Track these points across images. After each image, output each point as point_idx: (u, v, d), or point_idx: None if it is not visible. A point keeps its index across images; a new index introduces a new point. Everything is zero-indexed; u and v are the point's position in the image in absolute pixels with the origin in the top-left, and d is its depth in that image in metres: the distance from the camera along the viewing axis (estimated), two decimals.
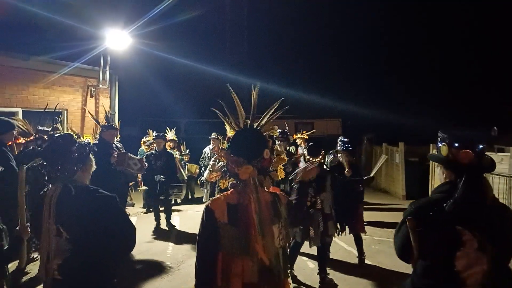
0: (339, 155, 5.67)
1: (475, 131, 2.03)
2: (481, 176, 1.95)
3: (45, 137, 5.44)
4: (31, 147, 5.48)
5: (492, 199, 1.94)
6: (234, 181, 2.11)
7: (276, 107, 2.21)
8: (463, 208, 1.86)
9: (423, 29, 21.52)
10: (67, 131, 5.86)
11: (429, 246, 1.92)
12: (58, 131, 5.53)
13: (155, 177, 7.31)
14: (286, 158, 2.25)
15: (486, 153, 2.02)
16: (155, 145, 7.81)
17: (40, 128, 5.59)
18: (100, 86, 9.71)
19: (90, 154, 2.36)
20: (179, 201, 9.66)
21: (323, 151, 4.85)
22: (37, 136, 5.51)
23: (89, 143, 2.41)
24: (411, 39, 21.37)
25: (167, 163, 7.50)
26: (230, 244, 1.97)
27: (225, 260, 1.99)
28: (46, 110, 6.07)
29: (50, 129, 5.58)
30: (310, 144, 5.11)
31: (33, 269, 5.06)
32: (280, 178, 2.29)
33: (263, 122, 2.18)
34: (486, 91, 18.75)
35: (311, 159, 4.70)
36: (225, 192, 2.11)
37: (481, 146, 1.95)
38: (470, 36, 19.99)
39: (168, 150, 8.27)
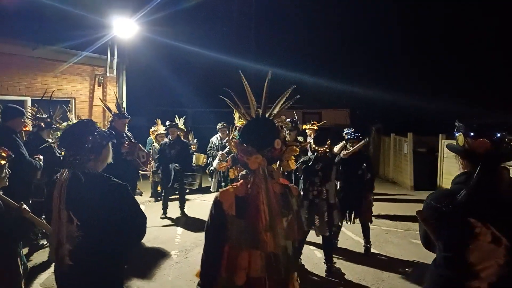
0: (348, 144, 5.62)
1: (495, 119, 1.95)
2: (497, 166, 1.86)
3: (42, 124, 5.47)
4: (27, 136, 5.52)
5: (508, 190, 1.85)
6: (244, 172, 2.08)
7: (287, 95, 2.16)
8: (477, 199, 1.78)
9: (433, 18, 21.11)
10: (73, 120, 5.90)
11: (443, 238, 1.89)
12: (53, 119, 5.57)
13: (170, 165, 7.37)
14: (298, 150, 2.21)
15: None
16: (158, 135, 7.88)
17: (38, 115, 5.62)
18: (108, 74, 9.72)
19: (109, 144, 2.34)
20: (187, 190, 9.73)
21: (329, 141, 4.88)
22: (35, 123, 5.53)
23: (112, 133, 2.40)
24: (421, 28, 20.99)
25: (181, 152, 7.54)
26: (237, 237, 1.96)
27: (231, 252, 1.98)
28: (46, 98, 6.06)
29: (47, 116, 5.60)
30: (316, 133, 5.11)
31: (37, 256, 5.17)
32: (291, 169, 2.26)
33: (275, 111, 2.14)
34: (502, 79, 18.27)
35: (317, 148, 4.73)
36: (234, 184, 2.09)
37: (499, 135, 1.85)
38: (483, 23, 19.51)
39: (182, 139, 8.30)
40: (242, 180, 2.06)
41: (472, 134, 1.89)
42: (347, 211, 5.55)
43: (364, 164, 5.64)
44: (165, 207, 7.61)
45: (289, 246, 2.03)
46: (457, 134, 1.98)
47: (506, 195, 1.83)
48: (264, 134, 2.03)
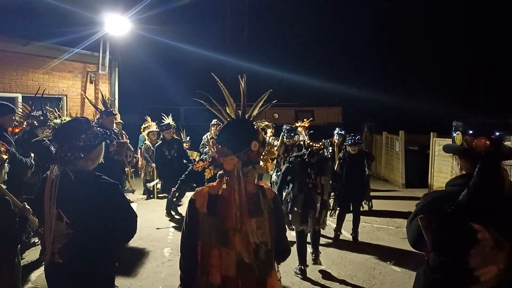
0: (350, 148, 6.11)
1: (493, 119, 1.88)
2: (497, 165, 1.79)
3: (35, 122, 5.40)
4: (21, 134, 5.43)
5: (509, 190, 1.78)
6: (222, 171, 2.06)
7: (265, 98, 2.13)
8: (478, 200, 1.73)
9: (426, 16, 21.23)
10: (66, 117, 5.81)
11: (442, 242, 1.83)
12: (46, 117, 5.50)
13: (171, 166, 7.34)
14: (276, 152, 2.20)
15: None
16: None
17: (32, 113, 5.54)
18: (100, 72, 9.65)
19: (102, 144, 2.33)
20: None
21: (323, 138, 4.95)
22: (28, 121, 5.46)
23: (106, 133, 2.37)
24: (414, 27, 21.12)
25: (179, 150, 7.58)
26: (208, 234, 1.95)
27: (203, 250, 1.97)
28: (38, 95, 5.98)
29: (40, 114, 5.53)
30: (311, 131, 5.13)
31: (29, 254, 5.12)
32: (269, 171, 2.24)
33: (254, 113, 2.12)
34: (493, 78, 18.46)
35: (312, 144, 4.76)
36: (211, 183, 2.08)
37: (498, 134, 1.80)
38: (476, 21, 19.67)
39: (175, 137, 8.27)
40: (218, 179, 2.06)
41: (470, 132, 1.84)
42: (350, 201, 6.05)
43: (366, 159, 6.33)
44: (175, 204, 7.59)
45: (261, 247, 1.98)
46: (455, 134, 1.92)
47: (508, 196, 1.78)
48: (240, 136, 2.00)
